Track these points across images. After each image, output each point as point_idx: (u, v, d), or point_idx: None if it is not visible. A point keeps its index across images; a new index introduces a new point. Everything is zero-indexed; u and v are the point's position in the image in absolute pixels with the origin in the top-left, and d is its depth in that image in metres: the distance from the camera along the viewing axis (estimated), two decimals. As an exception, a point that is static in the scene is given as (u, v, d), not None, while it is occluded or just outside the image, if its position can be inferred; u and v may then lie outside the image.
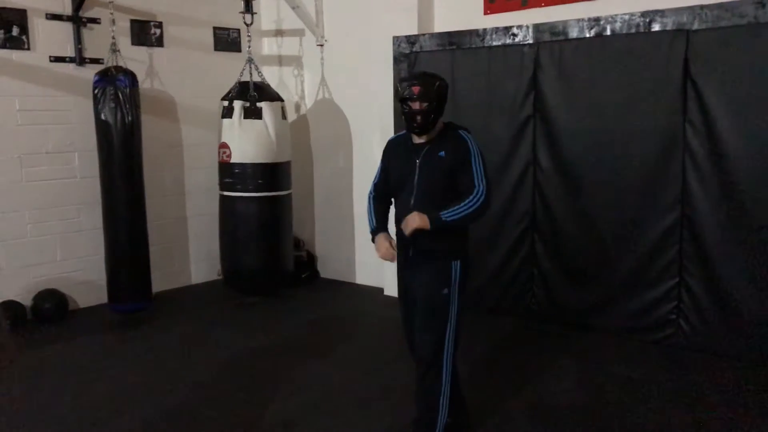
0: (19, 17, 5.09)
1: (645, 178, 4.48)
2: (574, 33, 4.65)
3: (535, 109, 4.90)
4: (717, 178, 4.22)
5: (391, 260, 3.15)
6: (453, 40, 5.20)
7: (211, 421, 3.54)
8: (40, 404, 3.73)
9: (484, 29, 5.04)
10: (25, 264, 5.13)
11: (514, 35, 4.91)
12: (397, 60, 5.49)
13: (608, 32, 4.51)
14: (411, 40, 5.40)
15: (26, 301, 5.12)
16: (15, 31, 5.08)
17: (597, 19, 4.53)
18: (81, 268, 5.45)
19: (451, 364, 3.06)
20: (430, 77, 3.00)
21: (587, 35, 4.60)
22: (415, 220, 2.90)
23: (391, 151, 3.22)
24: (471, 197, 2.89)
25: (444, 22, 5.44)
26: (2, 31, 5.01)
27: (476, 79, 5.13)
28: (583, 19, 4.60)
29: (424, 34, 5.37)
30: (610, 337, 4.61)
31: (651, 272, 4.51)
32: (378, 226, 3.24)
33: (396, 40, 5.48)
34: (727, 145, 4.15)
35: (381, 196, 3.26)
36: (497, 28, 4.98)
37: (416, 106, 2.92)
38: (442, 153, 2.96)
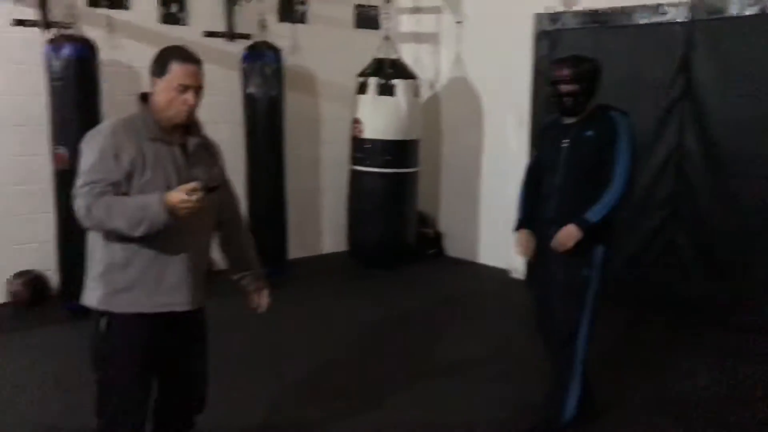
0: (178, -6, 5.44)
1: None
2: (733, 11, 4.36)
3: (684, 92, 4.66)
4: None
5: (530, 259, 3.18)
6: (598, 18, 5.03)
7: (341, 385, 3.70)
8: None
9: (633, 7, 4.83)
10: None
11: (664, 13, 4.67)
12: (538, 38, 5.38)
13: (773, 10, 4.21)
14: (554, 17, 5.27)
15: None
16: (174, 8, 5.43)
17: (761, -4, 4.23)
18: (222, 233, 5.78)
19: (585, 349, 3.02)
20: (581, 60, 2.99)
21: (747, 13, 4.30)
22: (569, 235, 2.88)
23: (543, 133, 3.26)
24: (611, 192, 2.86)
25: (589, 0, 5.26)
26: (163, 8, 5.38)
27: (621, 59, 4.91)
28: (744, -4, 4.31)
29: (567, 12, 5.22)
30: (752, 335, 4.35)
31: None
32: (523, 220, 3.22)
33: (538, 17, 5.36)
34: None
35: (533, 181, 3.22)
36: (646, 5, 4.76)
37: (565, 88, 2.91)
38: (590, 132, 2.93)
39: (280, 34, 5.80)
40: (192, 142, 2.39)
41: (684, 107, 4.67)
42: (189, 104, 2.28)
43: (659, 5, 4.69)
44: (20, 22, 4.79)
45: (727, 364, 3.96)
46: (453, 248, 6.50)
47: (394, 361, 4.03)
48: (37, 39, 4.74)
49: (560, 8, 5.27)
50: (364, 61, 5.74)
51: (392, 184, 5.71)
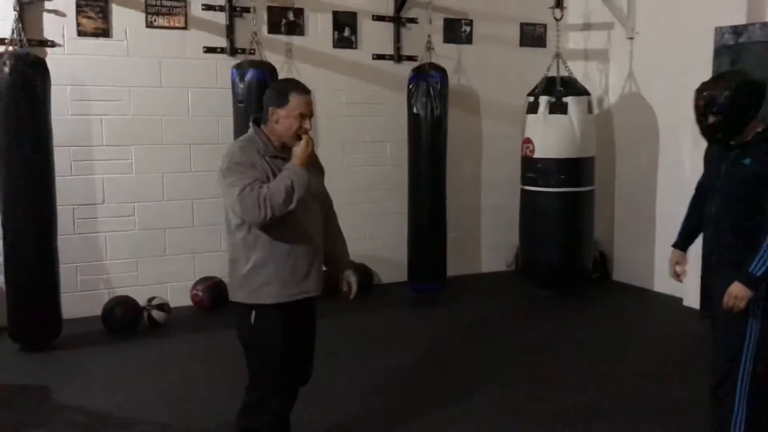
0: (351, 19, 5.71)
1: None
2: None
3: None
4: None
5: (678, 280, 3.06)
6: (789, 29, 4.63)
7: (491, 398, 3.67)
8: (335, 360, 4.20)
9: (832, 16, 4.41)
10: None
11: None
12: (718, 53, 5.05)
13: None
14: (737, 30, 4.92)
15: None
16: (347, 32, 5.71)
17: None
18: (386, 247, 5.97)
19: (749, 387, 2.72)
20: (722, 82, 2.72)
21: None
22: (738, 297, 2.63)
23: (709, 151, 3.02)
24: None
25: (780, 10, 4.86)
26: (336, 32, 5.68)
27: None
28: None
29: (753, 24, 4.85)
30: None
31: None
32: (679, 240, 3.10)
33: (719, 30, 5.03)
34: None
35: (700, 198, 3.03)
36: None
37: (705, 120, 2.70)
38: (748, 160, 2.66)
39: (446, 55, 5.90)
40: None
41: None
42: (306, 129, 2.66)
43: None
44: (210, 50, 5.28)
45: None
46: (624, 272, 6.20)
47: (546, 384, 3.94)
48: (225, 64, 5.20)
49: (743, 21, 4.91)
50: (530, 79, 5.69)
51: (567, 203, 5.56)
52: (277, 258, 2.65)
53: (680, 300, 5.49)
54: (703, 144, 5.12)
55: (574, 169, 5.48)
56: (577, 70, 6.27)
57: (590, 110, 5.59)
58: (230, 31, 5.29)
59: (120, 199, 5.14)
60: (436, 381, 3.97)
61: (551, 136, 5.42)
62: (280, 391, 2.78)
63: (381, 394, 3.81)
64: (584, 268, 5.74)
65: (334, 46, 5.68)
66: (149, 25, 5.09)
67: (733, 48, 4.95)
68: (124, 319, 4.80)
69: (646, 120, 5.85)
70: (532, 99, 5.56)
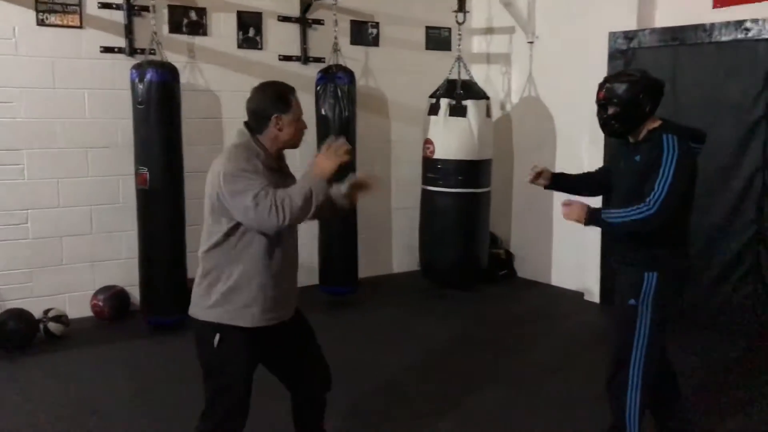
0: (256, 19, 5.62)
1: None
2: (821, 26, 4.18)
3: (767, 111, 4.48)
4: None
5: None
6: (676, 35, 4.91)
7: (419, 397, 3.70)
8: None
9: (712, 24, 4.70)
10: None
11: (747, 30, 4.52)
12: (612, 57, 5.29)
13: None
14: (629, 35, 5.18)
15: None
16: (251, 32, 5.62)
17: None
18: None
19: (640, 384, 2.80)
20: (624, 76, 2.83)
21: (838, 28, 4.12)
22: (573, 211, 2.81)
23: (615, 149, 3.14)
24: (639, 206, 2.63)
25: (667, 17, 5.13)
26: (241, 33, 5.57)
27: (700, 78, 4.80)
28: (833, 11, 4.13)
29: (643, 30, 5.12)
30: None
31: None
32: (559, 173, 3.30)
33: (612, 36, 5.28)
34: None
35: (596, 174, 3.21)
36: (728, 22, 4.62)
37: (603, 112, 2.80)
38: (638, 157, 2.76)
39: (353, 57, 5.90)
40: (286, 166, 2.66)
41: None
42: (305, 127, 2.56)
43: (741, 21, 4.54)
44: (108, 50, 5.06)
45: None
46: (526, 269, 6.41)
47: (458, 377, 4.02)
48: (123, 65, 5.00)
49: (634, 26, 5.17)
50: (435, 82, 5.78)
51: (464, 203, 5.71)
52: (264, 276, 2.47)
53: (582, 294, 5.72)
54: (600, 144, 5.41)
55: (471, 171, 5.64)
56: (480, 73, 6.44)
57: (488, 114, 5.73)
58: (129, 31, 5.09)
59: (11, 206, 4.84)
60: (343, 379, 3.96)
61: (450, 137, 5.54)
62: (236, 426, 2.56)
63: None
64: (480, 266, 5.89)
65: (239, 47, 5.57)
66: (40, 23, 4.82)
67: (626, 52, 5.21)
68: (18, 333, 4.51)
69: (544, 122, 6.06)
70: (433, 101, 5.66)
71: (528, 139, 6.28)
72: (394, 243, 6.52)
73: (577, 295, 5.75)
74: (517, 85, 6.33)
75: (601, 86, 2.83)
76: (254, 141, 2.49)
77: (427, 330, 4.93)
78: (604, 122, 2.82)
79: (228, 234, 2.45)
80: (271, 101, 2.48)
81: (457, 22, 5.70)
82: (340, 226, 5.45)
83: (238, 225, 2.43)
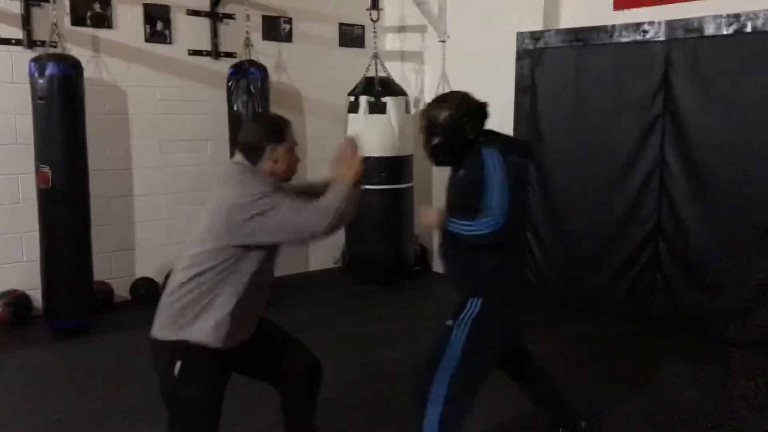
0: (163, 12, 5.45)
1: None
2: (710, 30, 4.44)
3: (664, 109, 4.73)
4: None
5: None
6: (579, 36, 5.10)
7: (345, 398, 3.69)
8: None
9: (613, 25, 4.91)
10: (159, 244, 5.50)
11: (645, 32, 4.75)
12: (519, 56, 5.45)
13: (749, 29, 4.28)
14: (535, 36, 5.35)
15: (159, 278, 5.48)
16: (159, 25, 5.45)
17: (737, 16, 4.31)
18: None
19: (442, 403, 2.53)
20: (444, 104, 2.71)
21: (725, 32, 4.39)
22: (429, 216, 2.70)
23: None
24: (482, 222, 2.50)
25: (571, 18, 5.33)
26: (148, 26, 5.40)
27: (602, 77, 5.01)
28: (721, 16, 4.38)
29: (549, 30, 5.30)
30: (738, 349, 4.40)
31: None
32: None
33: (520, 36, 5.43)
34: None
35: None
36: (627, 24, 4.84)
37: (429, 141, 2.71)
38: (462, 171, 2.67)
39: (266, 52, 5.83)
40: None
41: (665, 125, 4.73)
42: (298, 160, 2.58)
43: (639, 24, 4.77)
44: (4, 41, 4.80)
45: (712, 378, 3.99)
46: (438, 263, 6.51)
47: (372, 375, 4.04)
48: (21, 57, 4.75)
49: (540, 27, 5.35)
50: (350, 78, 5.78)
51: (388, 199, 5.78)
52: (242, 299, 2.38)
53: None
54: (510, 141, 5.54)
55: (394, 167, 5.69)
56: (395, 70, 6.48)
57: (408, 110, 5.81)
58: (26, 22, 4.83)
59: None
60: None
61: (372, 135, 5.56)
62: None
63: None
64: (406, 261, 5.97)
65: (147, 41, 5.40)
66: (-73, 11, 4.53)
67: (533, 52, 5.37)
68: None
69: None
70: (352, 98, 5.67)
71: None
72: (310, 241, 6.47)
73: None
74: (431, 83, 6.42)
75: (421, 115, 2.74)
76: (261, 173, 2.45)
77: (347, 328, 4.93)
78: (431, 153, 2.72)
79: (218, 262, 2.35)
80: (265, 132, 2.48)
81: (371, 19, 5.73)
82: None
83: (230, 253, 2.35)
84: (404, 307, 5.49)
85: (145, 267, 5.49)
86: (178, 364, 2.34)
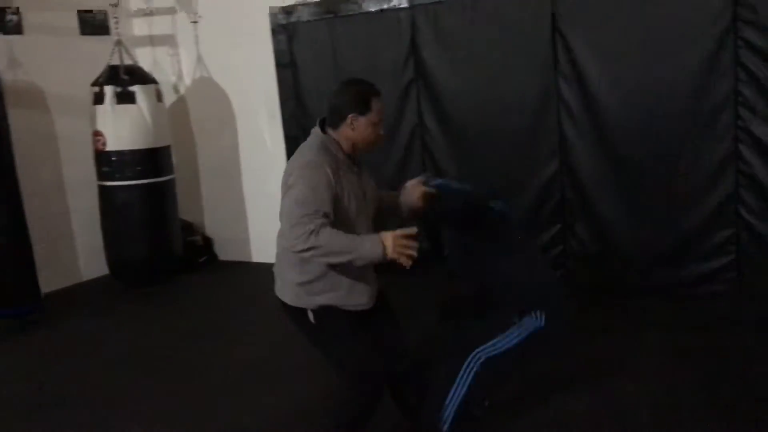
0: None
1: (525, 132, 4.68)
2: (448, -6, 4.74)
3: (417, 74, 4.99)
4: (590, 125, 4.48)
5: None
6: (330, 8, 5.19)
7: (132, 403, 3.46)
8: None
9: (360, -5, 5.06)
10: None
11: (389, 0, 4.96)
12: (275, 32, 5.43)
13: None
14: (287, 10, 5.34)
15: None
16: None
17: (470, -19, 4.64)
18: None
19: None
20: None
21: (461, -4, 4.70)
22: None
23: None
24: None
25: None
26: None
27: (357, 47, 5.15)
28: (457, -19, 4.70)
29: (300, 4, 5.31)
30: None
31: (539, 220, 4.75)
32: None
33: (272, 11, 5.39)
34: (597, 93, 4.40)
35: None
36: (373, -7, 5.01)
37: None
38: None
39: (-8, 48, 5.20)
40: (363, 169, 2.58)
41: (419, 88, 4.99)
42: (383, 136, 2.52)
43: (384, -8, 4.95)
44: None
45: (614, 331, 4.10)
46: (225, 252, 6.37)
47: (167, 375, 3.88)
48: None
49: (293, 1, 5.35)
50: (96, 69, 5.35)
51: (148, 194, 5.42)
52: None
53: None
54: (278, 118, 5.55)
55: (149, 160, 5.36)
56: (146, 57, 6.15)
57: (160, 99, 5.49)
58: None
59: None
60: (54, 403, 3.57)
61: (122, 127, 5.20)
62: (371, 369, 2.54)
63: None
64: (174, 256, 5.70)
65: None
66: None
67: (288, 27, 5.37)
68: None
69: (221, 102, 6.01)
70: (97, 89, 5.25)
71: (207, 122, 6.18)
72: (78, 249, 5.96)
73: (278, 267, 5.87)
74: (188, 67, 6.16)
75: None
76: (331, 142, 2.46)
77: (128, 334, 4.64)
78: None
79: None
80: (350, 100, 2.44)
81: (111, 4, 5.34)
82: (6, 239, 4.83)
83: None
84: (187, 304, 5.27)
85: None
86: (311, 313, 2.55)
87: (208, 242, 6.39)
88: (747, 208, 4.19)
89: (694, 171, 4.25)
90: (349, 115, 2.43)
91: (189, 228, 6.19)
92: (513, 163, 4.74)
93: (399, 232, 2.31)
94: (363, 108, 2.44)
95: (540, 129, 4.64)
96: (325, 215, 2.32)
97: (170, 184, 5.62)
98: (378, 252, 2.30)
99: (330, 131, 2.49)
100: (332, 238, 2.29)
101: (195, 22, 5.95)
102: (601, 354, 3.74)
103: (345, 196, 2.43)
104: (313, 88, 5.42)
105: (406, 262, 2.31)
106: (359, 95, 2.46)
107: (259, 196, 5.87)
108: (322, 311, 2.51)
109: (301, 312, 2.55)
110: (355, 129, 2.45)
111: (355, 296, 2.53)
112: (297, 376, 3.73)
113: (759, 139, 4.07)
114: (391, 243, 2.29)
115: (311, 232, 2.26)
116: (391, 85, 5.05)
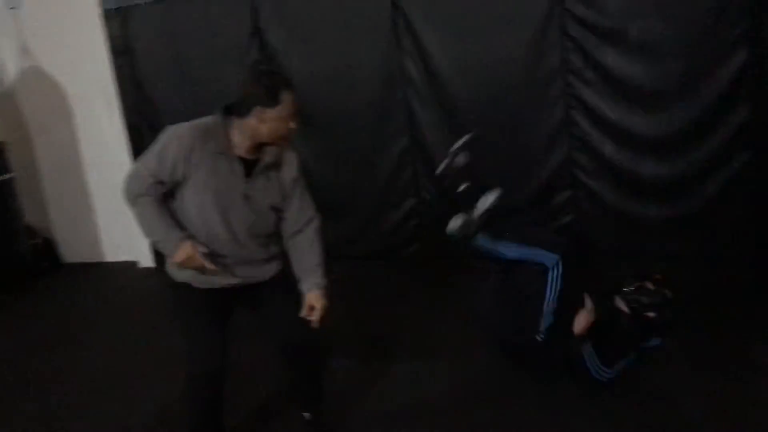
0: None
1: (374, 109, 4.73)
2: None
3: (262, 55, 4.89)
4: (434, 99, 4.60)
5: None
6: (166, -10, 4.95)
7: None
8: None
9: (196, -25, 4.87)
10: None
11: (225, -20, 4.81)
12: (107, 17, 5.12)
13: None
14: (118, -6, 5.05)
15: None
16: None
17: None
18: None
19: None
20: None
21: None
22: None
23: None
24: None
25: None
26: None
27: (197, 31, 4.97)
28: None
29: (133, -13, 5.04)
30: (366, 261, 4.89)
31: (392, 195, 4.84)
32: None
33: (100, -5, 5.08)
34: (439, 68, 4.53)
35: None
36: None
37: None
38: None
39: None
40: (265, 161, 2.46)
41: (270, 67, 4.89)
42: (294, 129, 2.40)
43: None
44: None
45: (354, 291, 4.30)
46: (75, 254, 5.94)
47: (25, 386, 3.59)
48: None
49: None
50: None
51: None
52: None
53: (135, 263, 5.59)
54: (115, 105, 5.24)
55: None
56: (-38, 48, 5.60)
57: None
58: None
59: None
60: None
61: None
62: (196, 354, 2.58)
63: None
64: (21, 262, 5.32)
65: None
66: None
67: (120, 11, 5.08)
68: None
69: (54, 92, 5.58)
70: None
71: (42, 115, 5.70)
72: None
73: (131, 265, 5.60)
74: (11, 59, 5.67)
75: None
76: (225, 126, 2.39)
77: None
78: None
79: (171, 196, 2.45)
80: (258, 92, 2.32)
81: None
82: None
83: (176, 188, 2.41)
84: (33, 312, 4.88)
85: None
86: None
87: (49, 245, 5.94)
88: (582, 169, 4.48)
89: (532, 138, 4.48)
90: (256, 107, 2.33)
91: (28, 231, 5.72)
92: (364, 140, 4.79)
93: (200, 250, 2.40)
94: (271, 101, 2.33)
95: (388, 106, 4.70)
96: (160, 183, 2.37)
97: (8, 183, 5.19)
98: (171, 252, 2.40)
99: (235, 119, 2.39)
100: (145, 212, 2.40)
101: (14, 8, 5.47)
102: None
103: (200, 182, 2.36)
104: (155, 75, 5.17)
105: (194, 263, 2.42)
106: (267, 88, 2.34)
107: (105, 189, 5.54)
108: (175, 286, 2.55)
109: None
110: (264, 121, 2.34)
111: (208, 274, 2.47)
112: (154, 379, 3.57)
113: (587, 103, 4.35)
114: (182, 255, 2.39)
115: (137, 195, 2.39)
116: (236, 69, 4.91)
